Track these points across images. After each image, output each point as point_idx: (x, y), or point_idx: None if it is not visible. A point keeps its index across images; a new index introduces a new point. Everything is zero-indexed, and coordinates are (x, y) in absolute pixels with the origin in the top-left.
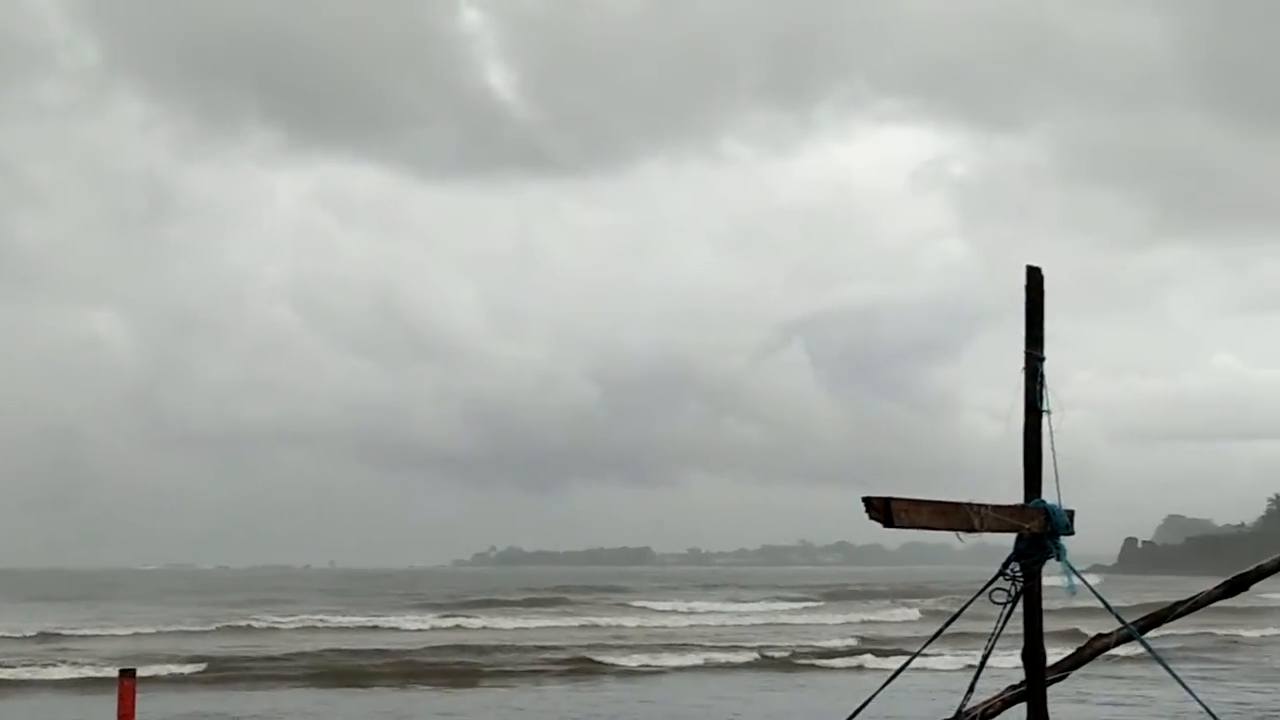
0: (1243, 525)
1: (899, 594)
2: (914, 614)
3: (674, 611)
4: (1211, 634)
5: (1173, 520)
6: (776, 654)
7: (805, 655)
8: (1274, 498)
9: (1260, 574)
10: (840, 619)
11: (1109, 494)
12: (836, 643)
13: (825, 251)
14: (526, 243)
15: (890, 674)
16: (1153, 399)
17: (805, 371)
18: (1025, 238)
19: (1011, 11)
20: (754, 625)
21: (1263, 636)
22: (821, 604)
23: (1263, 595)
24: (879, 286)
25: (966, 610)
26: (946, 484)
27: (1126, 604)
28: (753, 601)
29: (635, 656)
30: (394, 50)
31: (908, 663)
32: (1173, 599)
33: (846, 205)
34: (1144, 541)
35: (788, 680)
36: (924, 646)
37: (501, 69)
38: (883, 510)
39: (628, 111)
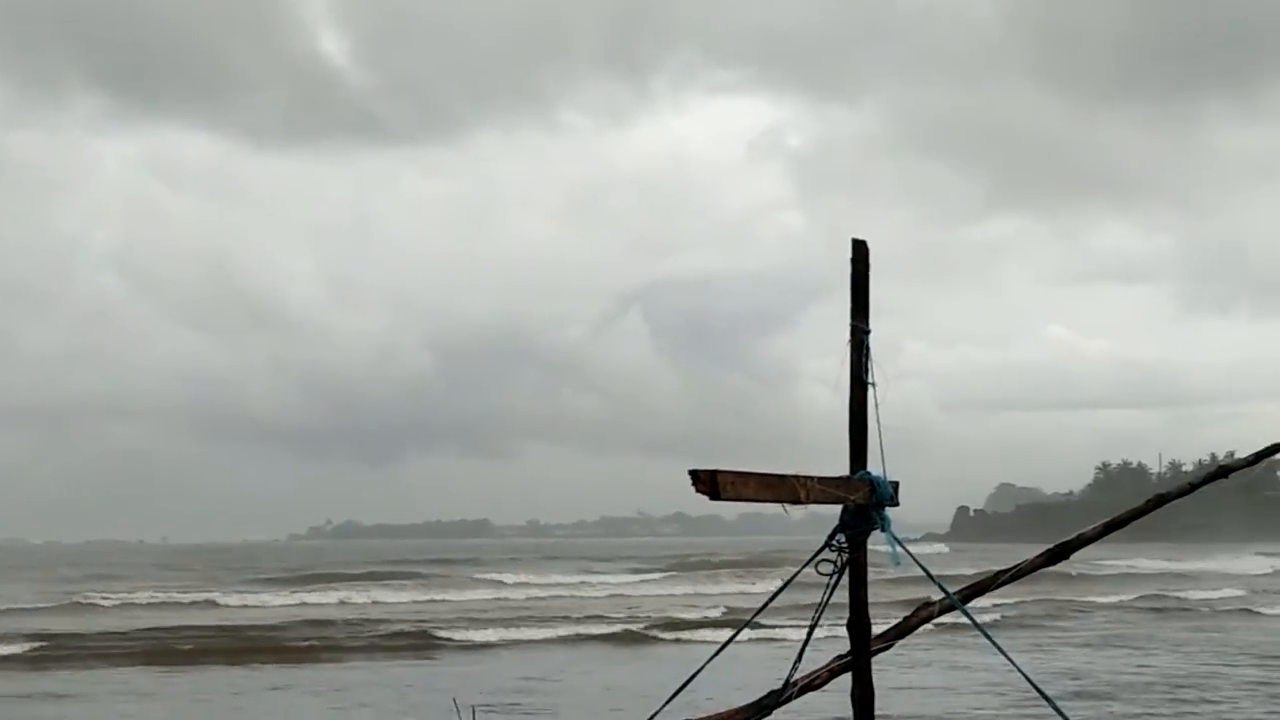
0: (1071, 494)
1: (746, 564)
2: (774, 584)
3: (527, 584)
4: (1059, 600)
5: (1004, 489)
6: (637, 626)
7: (669, 627)
8: (1101, 466)
9: (1081, 542)
10: (694, 589)
11: (943, 463)
12: (700, 614)
13: (663, 222)
14: (362, 212)
15: (720, 645)
16: (985, 369)
17: (644, 342)
18: (860, 209)
19: None
20: (612, 597)
21: (1120, 601)
22: (675, 574)
23: (1106, 564)
24: (717, 257)
25: (827, 581)
26: (784, 454)
27: (955, 572)
28: (605, 573)
29: (490, 631)
30: (223, 14)
31: (734, 635)
32: (999, 567)
33: (684, 176)
34: (976, 510)
35: (645, 653)
36: (751, 619)
37: (334, 35)
38: (709, 483)
39: (463, 80)
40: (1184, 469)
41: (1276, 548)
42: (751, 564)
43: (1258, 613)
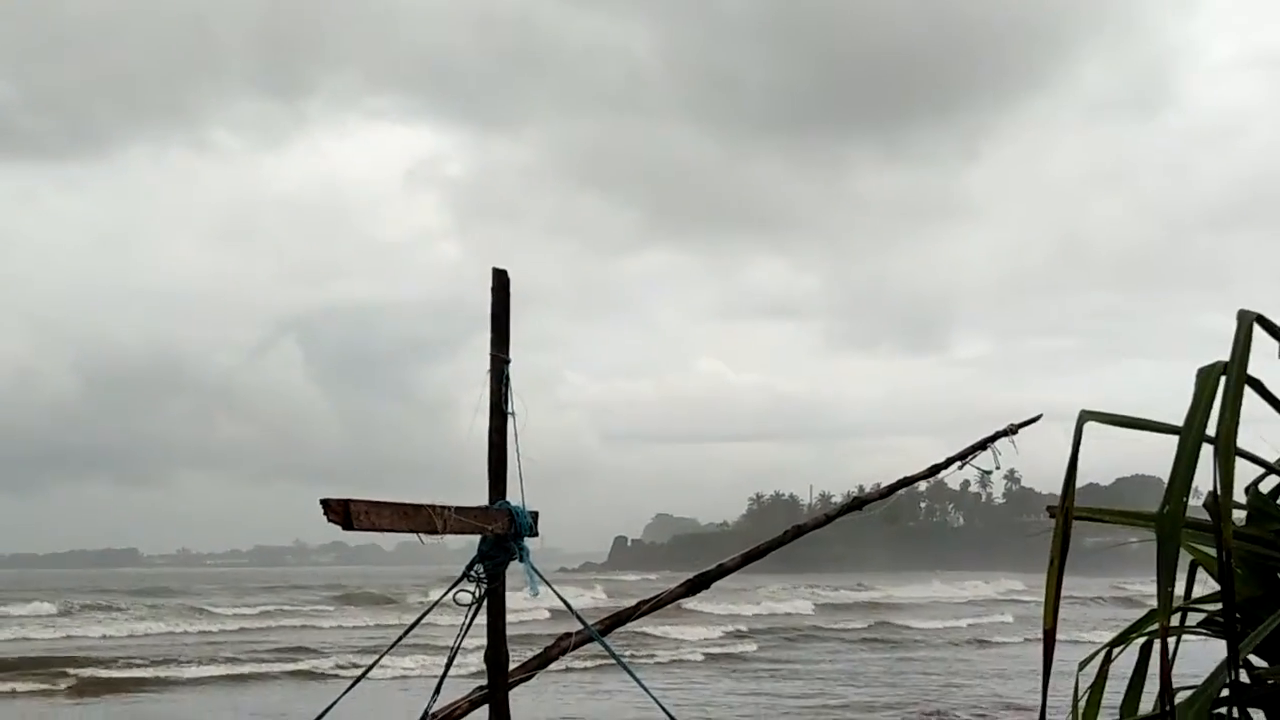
0: (725, 524)
1: (389, 595)
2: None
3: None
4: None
5: (661, 519)
6: (254, 667)
7: (296, 657)
8: (755, 497)
9: (721, 572)
10: (336, 623)
11: (603, 494)
12: (339, 644)
13: (320, 248)
14: (1, 229)
15: (354, 680)
16: (643, 401)
17: (300, 369)
18: (519, 239)
19: (509, 10)
20: (288, 627)
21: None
22: (349, 607)
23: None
24: (376, 285)
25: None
26: (442, 482)
27: (602, 604)
28: (266, 605)
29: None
30: None
31: (368, 670)
32: (651, 594)
33: (342, 202)
34: (633, 540)
35: (262, 690)
36: (385, 652)
37: None
38: (341, 513)
39: (109, 95)
40: (833, 500)
41: (925, 574)
42: (400, 594)
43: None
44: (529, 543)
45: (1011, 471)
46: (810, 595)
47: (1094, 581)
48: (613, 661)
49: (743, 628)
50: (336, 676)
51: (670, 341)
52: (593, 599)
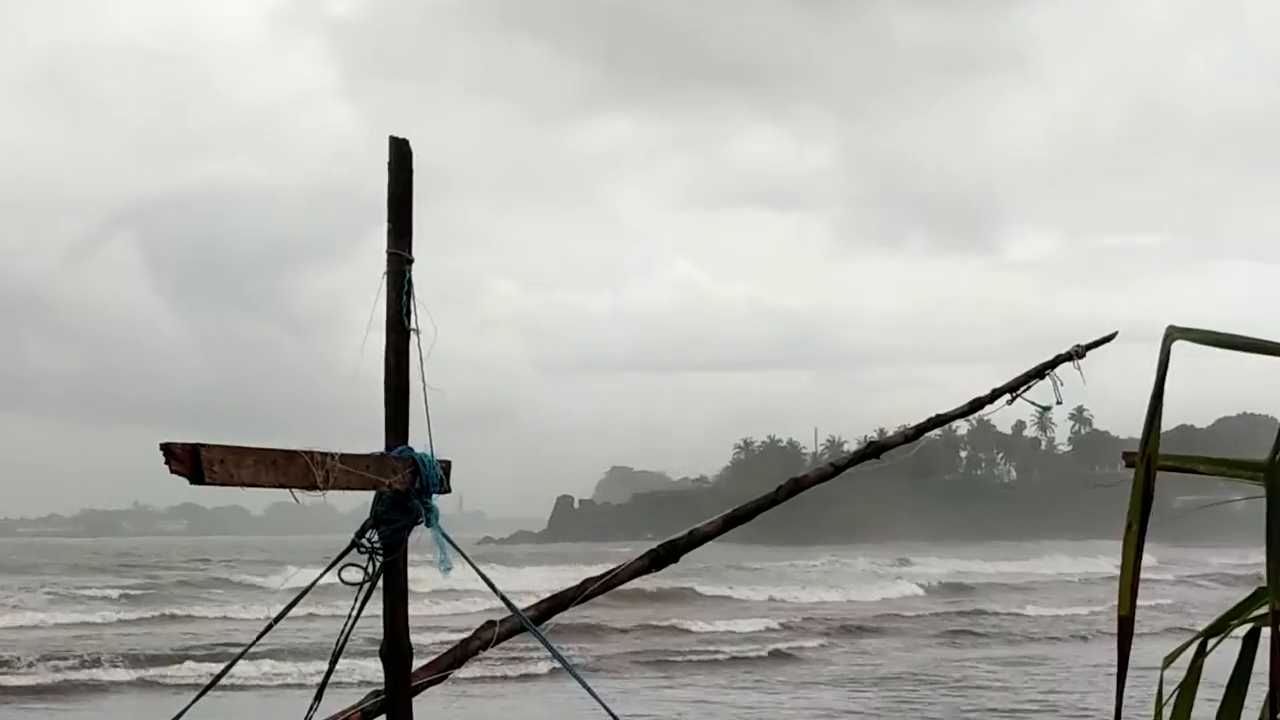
0: (704, 480)
1: (271, 569)
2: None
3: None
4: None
5: (619, 474)
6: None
7: (132, 664)
8: (742, 444)
9: (694, 540)
10: (189, 610)
11: (539, 440)
12: (178, 647)
13: (165, 115)
14: None
15: (203, 689)
16: (594, 318)
17: (138, 276)
18: (428, 101)
19: None
20: (116, 624)
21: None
22: (203, 590)
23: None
24: (239, 165)
25: (355, 594)
26: (327, 424)
27: (539, 583)
28: (89, 589)
29: None
30: None
31: (218, 677)
32: (599, 572)
33: (192, 54)
34: (582, 501)
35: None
36: (242, 654)
37: None
38: (188, 462)
39: None
40: (845, 448)
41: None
42: (268, 572)
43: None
44: (440, 502)
45: (1079, 410)
46: (876, 575)
47: (1186, 553)
48: (562, 659)
49: (795, 618)
50: (188, 686)
51: (631, 239)
52: (525, 578)
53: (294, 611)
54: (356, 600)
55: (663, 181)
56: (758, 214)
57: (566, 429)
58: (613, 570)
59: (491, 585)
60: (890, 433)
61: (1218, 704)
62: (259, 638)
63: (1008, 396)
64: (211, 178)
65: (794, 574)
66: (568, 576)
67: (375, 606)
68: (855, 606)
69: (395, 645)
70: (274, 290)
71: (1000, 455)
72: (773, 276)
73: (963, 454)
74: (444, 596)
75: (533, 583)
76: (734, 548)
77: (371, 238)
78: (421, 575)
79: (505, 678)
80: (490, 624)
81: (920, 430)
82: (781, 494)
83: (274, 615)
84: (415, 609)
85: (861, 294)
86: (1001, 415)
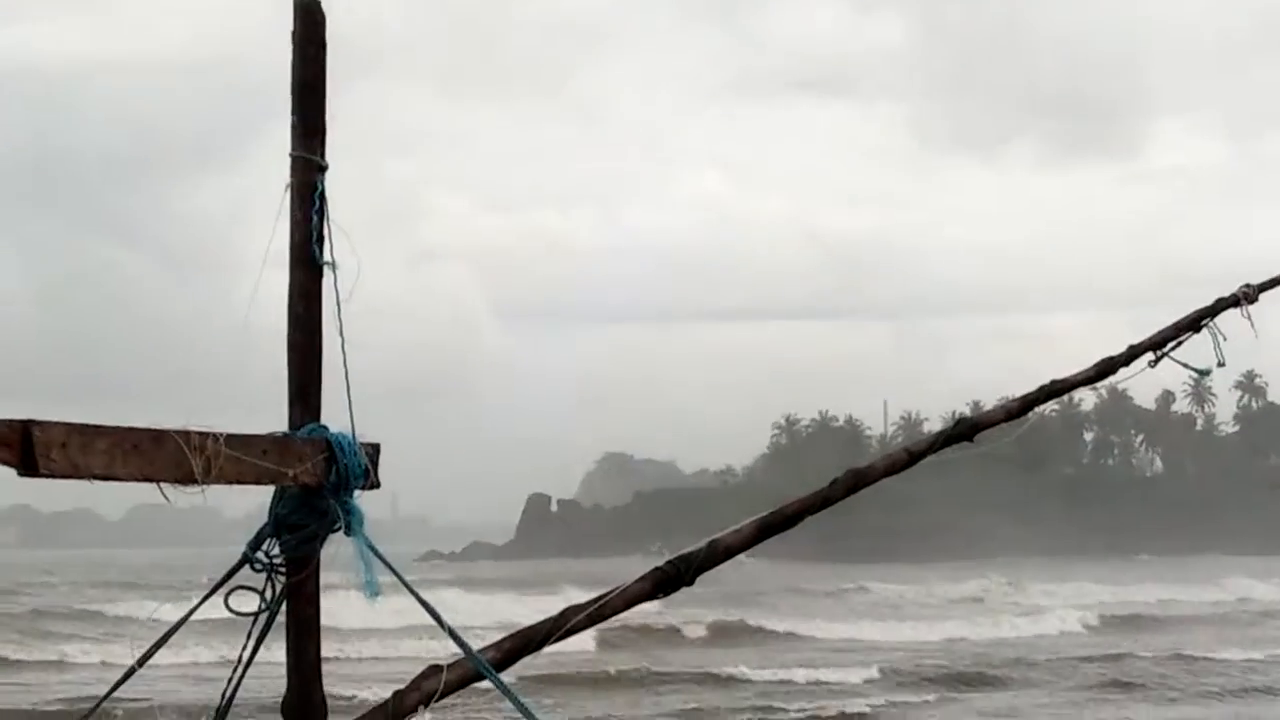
0: (730, 471)
1: (132, 595)
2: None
3: None
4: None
5: (614, 464)
6: None
7: None
8: (784, 424)
9: (715, 553)
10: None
11: (500, 417)
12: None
13: None
14: None
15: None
16: (578, 249)
17: None
18: None
19: None
20: None
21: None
22: (39, 626)
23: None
24: (80, 31)
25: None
26: (213, 397)
27: (505, 614)
28: None
29: None
30: None
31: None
32: (584, 599)
33: None
34: (562, 501)
35: None
36: (100, 704)
37: None
38: (17, 445)
39: None
40: (927, 427)
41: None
42: (124, 599)
43: None
44: (366, 502)
45: (1249, 376)
46: (982, 603)
47: None
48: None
49: (886, 662)
50: None
51: (630, 141)
52: (488, 608)
53: (173, 655)
54: (250, 636)
55: (674, 63)
56: (805, 107)
57: (541, 402)
58: (602, 596)
59: (435, 616)
60: (988, 406)
61: None
62: (110, 694)
63: (1150, 356)
64: (46, 49)
65: (873, 601)
66: (544, 605)
67: (278, 648)
68: (965, 647)
69: (303, 698)
70: (134, 208)
71: (1140, 439)
72: (825, 192)
73: (1088, 437)
74: (372, 634)
75: (495, 613)
76: (784, 566)
77: (270, 138)
78: (338, 604)
79: None
80: (435, 669)
81: (1029, 403)
82: (838, 489)
83: (131, 664)
84: (331, 649)
85: (947, 216)
86: (1141, 383)
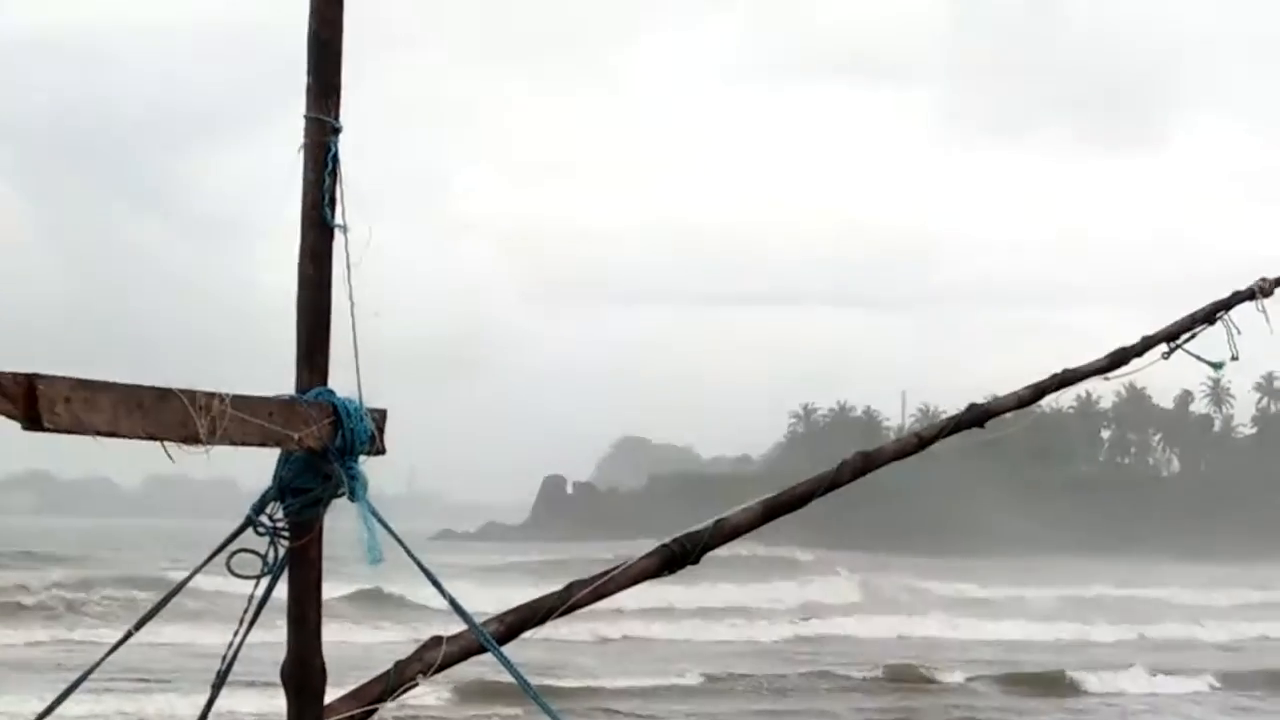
0: (746, 459)
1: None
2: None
3: None
4: None
5: (631, 447)
6: None
7: None
8: (800, 412)
9: (721, 533)
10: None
11: (524, 398)
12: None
13: None
14: None
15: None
16: (606, 230)
17: None
18: None
19: None
20: None
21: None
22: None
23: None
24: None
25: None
26: (223, 359)
27: (512, 590)
28: None
29: None
30: None
31: (55, 705)
32: (590, 574)
33: None
34: (578, 484)
35: None
36: (91, 670)
37: None
38: (23, 399)
39: None
40: (943, 415)
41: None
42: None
43: None
44: (375, 471)
45: (1269, 379)
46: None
47: None
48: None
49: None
50: None
51: (661, 120)
52: (496, 586)
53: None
54: (251, 601)
55: (706, 42)
56: (836, 90)
57: (561, 382)
58: (608, 571)
59: (438, 585)
60: (1002, 396)
61: None
62: (99, 662)
63: (1164, 347)
64: (64, 18)
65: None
66: (556, 585)
67: (278, 613)
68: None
69: (302, 664)
70: (152, 176)
71: (1158, 438)
72: (854, 177)
73: (1106, 434)
74: (375, 600)
75: (506, 593)
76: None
77: (291, 108)
78: (341, 569)
79: None
80: (437, 640)
81: (1040, 391)
82: (845, 472)
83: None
84: (333, 616)
85: (976, 202)
86: (1160, 383)
